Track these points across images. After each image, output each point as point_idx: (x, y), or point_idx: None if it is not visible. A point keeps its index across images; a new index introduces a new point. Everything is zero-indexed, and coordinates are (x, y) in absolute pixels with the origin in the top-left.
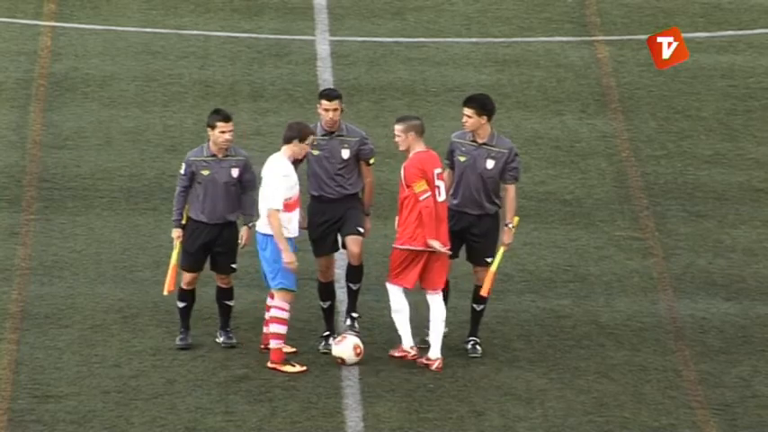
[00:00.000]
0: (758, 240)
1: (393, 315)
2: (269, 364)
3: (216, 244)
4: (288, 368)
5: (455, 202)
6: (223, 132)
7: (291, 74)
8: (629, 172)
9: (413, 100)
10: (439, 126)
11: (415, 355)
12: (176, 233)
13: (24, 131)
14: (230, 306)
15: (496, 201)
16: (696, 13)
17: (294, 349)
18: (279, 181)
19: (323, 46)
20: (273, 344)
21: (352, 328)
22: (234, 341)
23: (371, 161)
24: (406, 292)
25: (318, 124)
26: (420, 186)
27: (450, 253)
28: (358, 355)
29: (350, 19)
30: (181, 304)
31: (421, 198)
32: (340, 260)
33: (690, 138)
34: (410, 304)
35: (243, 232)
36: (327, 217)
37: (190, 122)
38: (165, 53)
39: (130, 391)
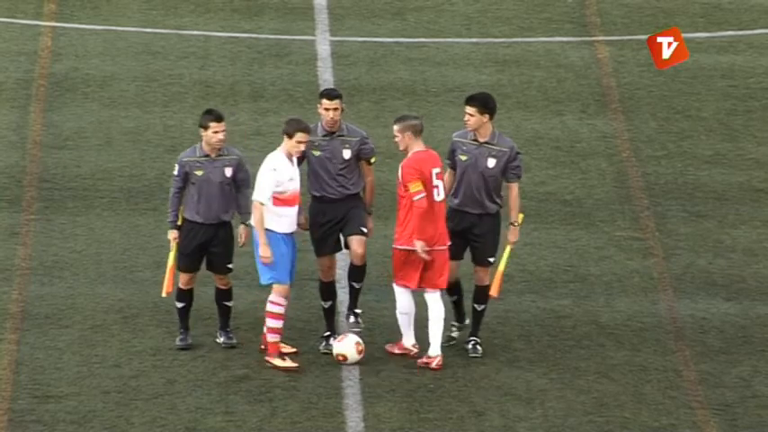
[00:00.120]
0: (758, 240)
1: (398, 315)
2: (266, 358)
3: (212, 244)
4: (278, 361)
5: (456, 201)
6: (216, 132)
7: (292, 74)
8: (629, 172)
9: (413, 100)
10: (439, 126)
11: (416, 353)
12: (172, 234)
13: (24, 132)
14: (230, 307)
15: (497, 200)
16: (696, 13)
17: (295, 349)
18: (266, 175)
19: (323, 46)
20: (270, 338)
21: (356, 324)
22: (234, 341)
23: (372, 160)
24: (414, 293)
25: (319, 124)
26: (415, 187)
27: (429, 258)
28: (360, 352)
29: (350, 19)
30: (179, 305)
31: (414, 198)
32: (341, 260)
33: (690, 138)
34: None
35: (241, 231)
36: (329, 217)
37: (190, 123)
38: (165, 53)
39: (130, 392)
